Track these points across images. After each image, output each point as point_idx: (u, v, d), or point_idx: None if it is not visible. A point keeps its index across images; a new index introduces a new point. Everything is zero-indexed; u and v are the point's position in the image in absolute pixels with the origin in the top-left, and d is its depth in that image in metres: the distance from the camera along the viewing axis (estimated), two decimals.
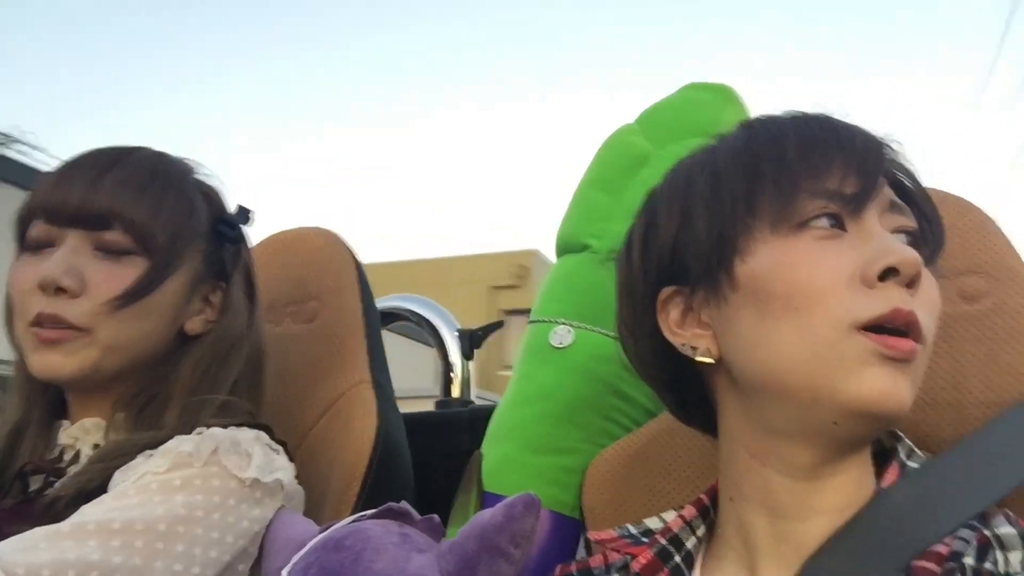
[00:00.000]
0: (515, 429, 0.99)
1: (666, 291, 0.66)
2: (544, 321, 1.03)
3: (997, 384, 0.74)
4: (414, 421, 1.13)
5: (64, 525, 0.69)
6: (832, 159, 0.59)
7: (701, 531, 0.68)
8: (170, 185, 0.88)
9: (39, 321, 0.81)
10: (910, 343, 0.55)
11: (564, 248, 1.09)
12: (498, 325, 1.58)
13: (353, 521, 0.65)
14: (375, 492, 0.92)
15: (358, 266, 1.14)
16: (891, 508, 0.59)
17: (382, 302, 1.38)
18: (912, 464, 0.63)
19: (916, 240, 0.62)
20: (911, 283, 0.56)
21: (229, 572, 0.75)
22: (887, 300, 0.55)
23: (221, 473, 0.76)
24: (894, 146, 0.64)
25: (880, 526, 0.58)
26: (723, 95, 1.11)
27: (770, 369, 0.59)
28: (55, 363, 0.82)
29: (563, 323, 1.00)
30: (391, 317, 1.58)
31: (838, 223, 0.59)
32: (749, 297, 0.59)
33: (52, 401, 0.90)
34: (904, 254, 0.56)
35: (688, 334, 0.65)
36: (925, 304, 0.57)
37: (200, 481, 0.75)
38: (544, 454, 0.96)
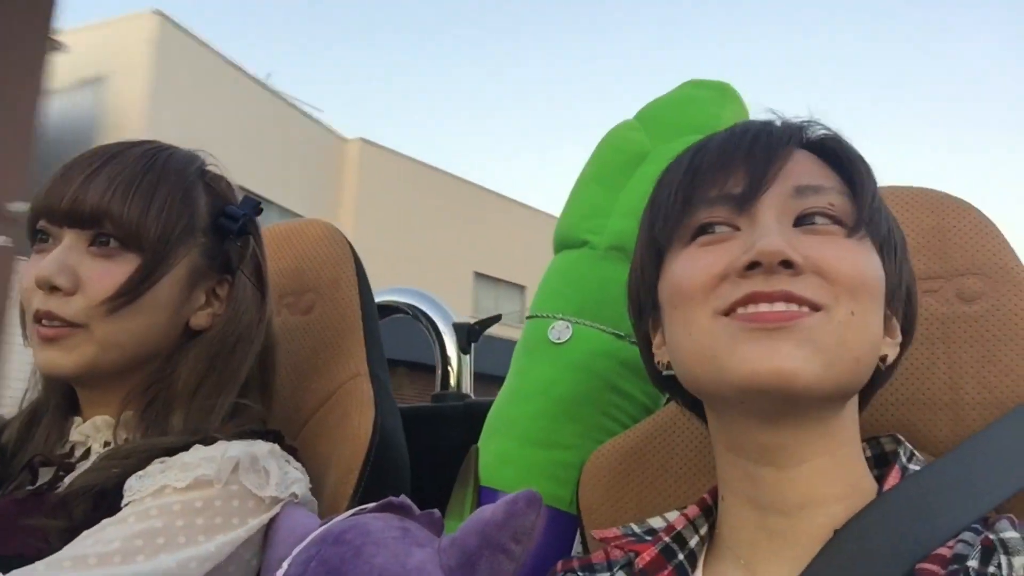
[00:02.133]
0: (512, 424, 0.99)
1: (653, 317, 0.72)
2: (542, 316, 1.03)
3: (994, 385, 0.75)
4: (410, 414, 1.13)
5: (90, 556, 0.68)
6: (726, 164, 0.64)
7: (704, 530, 0.69)
8: (164, 180, 0.87)
9: (38, 318, 0.82)
10: (776, 311, 0.57)
11: (562, 243, 1.09)
12: (496, 319, 1.58)
13: (353, 515, 0.65)
14: (372, 485, 0.91)
15: (356, 258, 1.14)
16: (893, 511, 0.59)
17: (379, 295, 1.38)
18: (913, 467, 0.63)
19: (834, 215, 0.62)
20: (788, 265, 0.58)
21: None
22: (746, 287, 0.59)
23: (241, 492, 0.77)
24: (816, 127, 0.68)
25: (882, 529, 0.58)
26: (723, 93, 1.11)
27: (680, 365, 0.65)
28: (54, 359, 0.83)
29: (561, 318, 1.01)
30: (388, 310, 1.57)
31: (729, 225, 0.63)
32: (664, 309, 0.67)
33: (66, 395, 0.91)
34: (763, 246, 0.58)
35: (661, 351, 0.71)
36: (825, 273, 0.59)
37: (220, 503, 0.75)
38: (541, 449, 0.96)
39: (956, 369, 0.76)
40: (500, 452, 0.98)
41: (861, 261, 0.61)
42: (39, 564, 0.67)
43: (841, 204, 0.63)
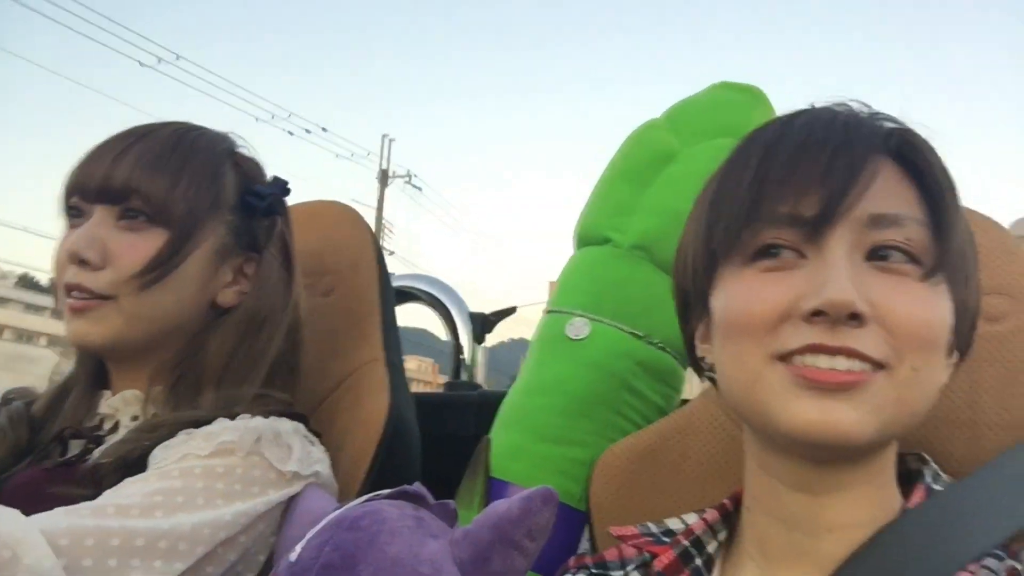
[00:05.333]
0: (525, 417, 1.00)
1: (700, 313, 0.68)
2: (561, 312, 1.03)
3: (1013, 406, 0.74)
4: (422, 401, 1.14)
5: (108, 505, 0.70)
6: (800, 178, 0.58)
7: (722, 536, 0.69)
8: (192, 157, 0.88)
9: (69, 290, 0.84)
10: (836, 372, 0.54)
11: (584, 239, 1.08)
12: (511, 311, 1.58)
13: (368, 500, 0.65)
14: (385, 470, 0.92)
15: (375, 243, 1.14)
16: (916, 529, 0.59)
17: (396, 280, 1.38)
18: (937, 488, 0.63)
19: (910, 252, 0.57)
20: (853, 317, 0.54)
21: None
22: (807, 336, 0.55)
23: (262, 464, 0.78)
24: (906, 135, 0.61)
25: (905, 546, 0.58)
26: (752, 96, 1.11)
27: (726, 392, 0.63)
28: (82, 330, 0.85)
29: (580, 315, 1.00)
30: (404, 296, 1.58)
31: (794, 251, 0.58)
32: (714, 327, 0.63)
33: (96, 369, 0.92)
34: (832, 295, 0.54)
35: (706, 347, 0.67)
36: (892, 328, 0.55)
37: (241, 471, 0.76)
38: (553, 444, 0.96)
39: (976, 388, 0.76)
40: (512, 445, 0.98)
41: (931, 312, 0.57)
42: (59, 510, 0.69)
43: (920, 239, 0.57)
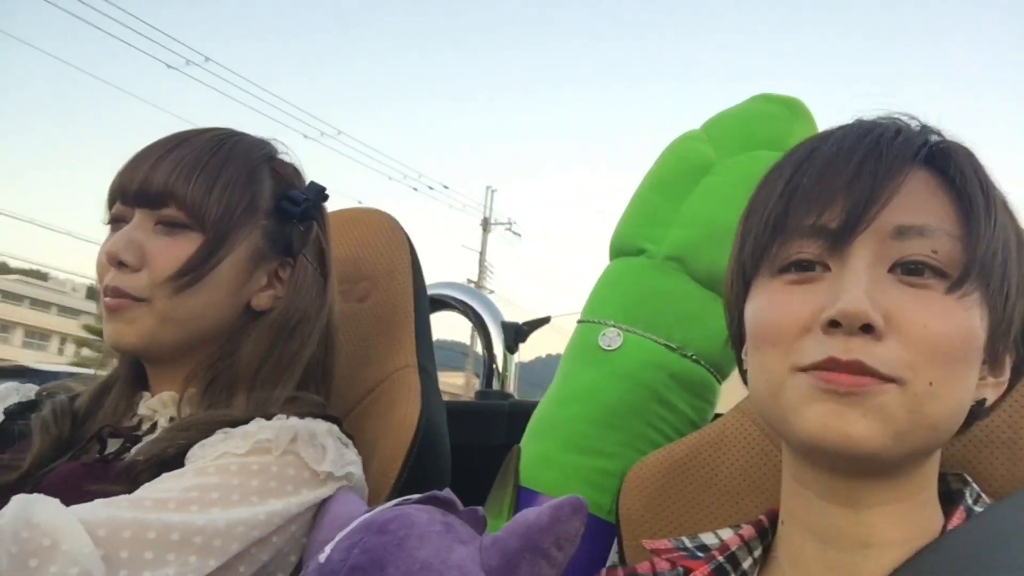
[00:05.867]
0: (556, 427, 0.99)
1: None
2: (594, 322, 1.02)
3: None
4: (453, 409, 1.14)
5: (146, 499, 0.71)
6: (825, 189, 0.58)
7: (758, 552, 0.68)
8: (229, 163, 0.90)
9: (107, 293, 0.87)
10: (851, 377, 0.54)
11: (619, 250, 1.08)
12: (544, 321, 1.58)
13: (397, 504, 0.66)
14: (415, 476, 0.92)
15: (412, 250, 1.15)
16: (954, 551, 0.57)
17: (430, 288, 1.39)
18: (978, 509, 0.61)
19: (935, 266, 0.56)
20: (867, 329, 0.54)
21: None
22: (826, 348, 0.55)
23: (297, 463, 0.79)
24: (941, 145, 0.60)
25: (944, 568, 0.56)
26: (792, 108, 1.09)
27: (754, 401, 0.63)
28: (118, 331, 0.87)
29: (613, 326, 1.00)
30: (438, 304, 1.58)
31: (819, 263, 0.59)
32: (748, 339, 0.64)
33: (136, 370, 0.95)
34: (844, 306, 0.54)
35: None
36: (908, 341, 0.55)
37: (277, 469, 0.77)
38: (583, 455, 0.96)
39: (1018, 408, 0.74)
40: (542, 455, 0.98)
41: (953, 326, 0.56)
42: (98, 501, 0.70)
43: (947, 251, 0.56)
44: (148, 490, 0.74)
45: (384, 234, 1.15)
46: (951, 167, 0.59)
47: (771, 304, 0.60)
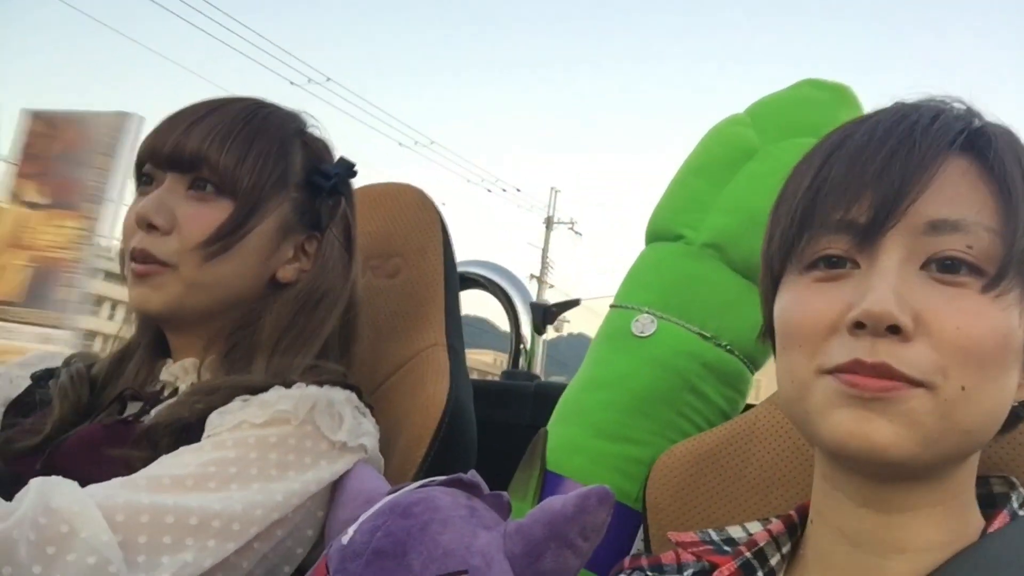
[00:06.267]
0: (584, 412, 0.98)
1: None
2: (627, 308, 1.01)
3: None
4: (479, 388, 1.13)
5: (164, 476, 0.71)
6: (853, 181, 0.55)
7: (786, 549, 0.66)
8: (262, 133, 0.90)
9: (134, 256, 0.86)
10: (877, 381, 0.51)
11: (656, 235, 1.06)
12: (574, 303, 1.56)
13: (422, 486, 0.65)
14: (441, 456, 0.92)
15: (444, 227, 1.13)
16: (993, 554, 0.55)
17: (460, 266, 1.38)
18: (1023, 513, 0.59)
19: (971, 262, 0.53)
20: (894, 330, 0.51)
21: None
22: (851, 350, 0.53)
23: (314, 434, 0.78)
24: (982, 130, 0.56)
25: (978, 572, 0.54)
26: (839, 95, 1.06)
27: (782, 404, 0.62)
28: (143, 296, 0.86)
29: (647, 312, 0.98)
30: (467, 282, 1.57)
31: (849, 259, 0.56)
32: (776, 338, 0.62)
33: (157, 337, 0.95)
34: (869, 306, 0.52)
35: None
36: (938, 344, 0.52)
37: (294, 441, 0.77)
38: (611, 441, 0.95)
39: None
40: (570, 440, 0.97)
41: (988, 327, 0.52)
42: (116, 481, 0.70)
43: (984, 246, 0.53)
44: (166, 465, 0.73)
45: (416, 210, 1.14)
46: (991, 154, 0.55)
47: (797, 303, 0.58)
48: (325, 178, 0.95)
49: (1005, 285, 0.53)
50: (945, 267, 0.53)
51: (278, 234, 0.91)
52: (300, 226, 0.93)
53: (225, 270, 0.87)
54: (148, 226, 0.85)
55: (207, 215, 0.86)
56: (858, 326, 0.52)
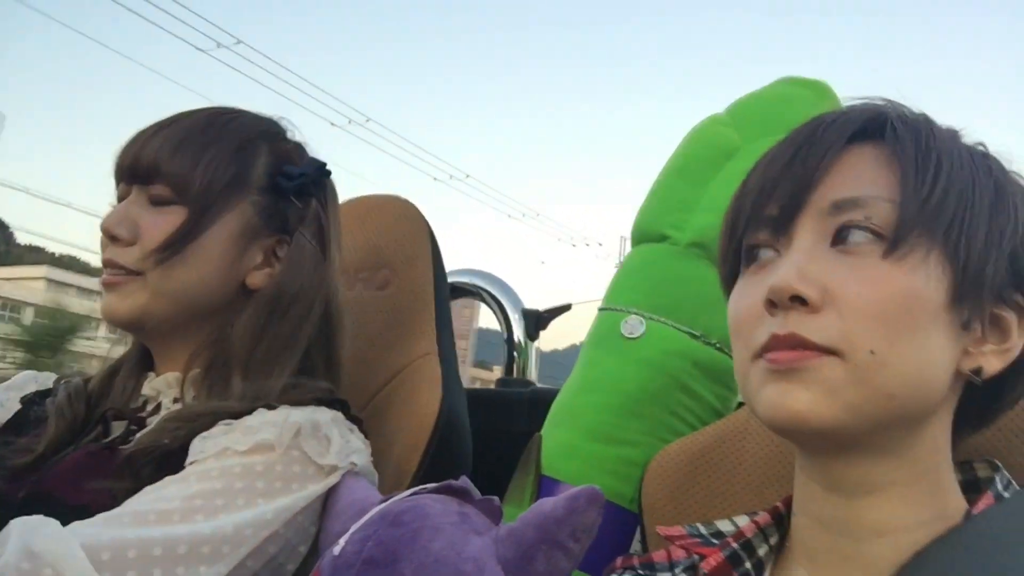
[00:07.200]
0: (577, 416, 0.98)
1: None
2: (616, 310, 1.01)
3: None
4: (474, 397, 1.14)
5: (149, 512, 0.70)
6: (768, 180, 0.61)
7: (774, 540, 0.66)
8: (219, 138, 0.90)
9: (104, 266, 0.88)
10: (790, 352, 0.55)
11: (641, 236, 1.06)
12: (565, 308, 1.57)
13: (413, 495, 0.65)
14: (435, 465, 0.92)
15: (432, 237, 1.14)
16: (977, 534, 0.55)
17: (451, 275, 1.38)
18: (1007, 495, 0.59)
19: (874, 228, 0.56)
20: (800, 301, 0.55)
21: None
22: (768, 328, 0.56)
23: (301, 459, 0.78)
24: (882, 117, 0.61)
25: (967, 553, 0.54)
26: (818, 92, 1.07)
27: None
28: (111, 305, 0.87)
29: (636, 313, 0.99)
30: (458, 291, 1.58)
31: (772, 249, 0.61)
32: None
33: (143, 351, 0.95)
34: (774, 282, 0.56)
35: None
36: (842, 311, 0.54)
37: (281, 467, 0.76)
38: (605, 444, 0.95)
39: None
40: (564, 443, 0.97)
41: (891, 290, 0.54)
42: (99, 518, 0.69)
43: (883, 215, 0.56)
44: (151, 499, 0.72)
45: (404, 221, 1.14)
46: (889, 137, 0.60)
47: (736, 297, 0.63)
48: (288, 179, 0.94)
49: (905, 248, 0.55)
50: (845, 238, 0.57)
51: (241, 238, 0.90)
52: (266, 229, 0.93)
53: (188, 275, 0.87)
54: (111, 238, 0.87)
55: (164, 222, 0.87)
56: (770, 304, 0.56)
